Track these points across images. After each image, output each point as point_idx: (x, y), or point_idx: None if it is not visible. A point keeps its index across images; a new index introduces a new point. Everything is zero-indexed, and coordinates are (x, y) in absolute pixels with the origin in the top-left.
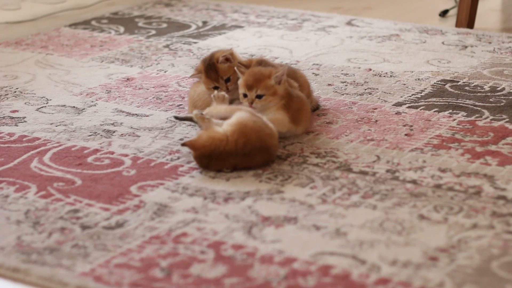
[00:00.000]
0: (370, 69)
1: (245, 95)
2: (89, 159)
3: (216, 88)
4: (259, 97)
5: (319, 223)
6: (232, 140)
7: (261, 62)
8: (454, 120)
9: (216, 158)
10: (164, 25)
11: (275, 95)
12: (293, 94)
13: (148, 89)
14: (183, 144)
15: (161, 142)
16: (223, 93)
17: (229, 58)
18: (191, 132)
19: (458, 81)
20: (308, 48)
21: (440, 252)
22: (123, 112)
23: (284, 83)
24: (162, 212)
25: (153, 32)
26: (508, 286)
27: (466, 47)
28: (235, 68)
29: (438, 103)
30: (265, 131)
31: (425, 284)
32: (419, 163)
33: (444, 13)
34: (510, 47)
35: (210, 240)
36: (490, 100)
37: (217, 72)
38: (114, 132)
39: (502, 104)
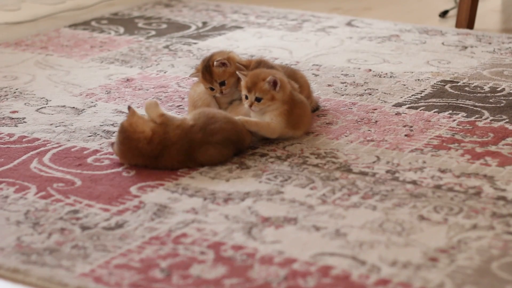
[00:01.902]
0: (370, 70)
1: (246, 97)
2: (89, 160)
3: (212, 89)
4: (258, 100)
5: (319, 224)
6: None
7: (260, 63)
8: (454, 120)
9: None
10: (164, 25)
11: (273, 100)
12: (296, 100)
13: (148, 90)
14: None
15: None
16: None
17: (225, 63)
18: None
19: (458, 82)
20: (308, 49)
21: (440, 253)
22: (123, 112)
23: (285, 88)
24: (162, 213)
25: (153, 32)
26: (508, 287)
27: (466, 47)
28: (237, 72)
29: (438, 103)
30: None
31: (425, 285)
32: (419, 163)
33: (444, 14)
34: (510, 47)
35: (210, 241)
36: (490, 100)
37: (211, 75)
38: (114, 132)
39: (502, 104)
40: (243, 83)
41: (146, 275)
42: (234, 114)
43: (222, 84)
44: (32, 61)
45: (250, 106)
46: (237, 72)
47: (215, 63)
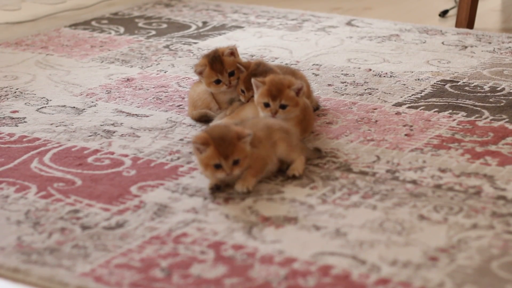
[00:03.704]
0: (370, 69)
1: (266, 105)
2: (89, 160)
3: (217, 82)
4: (283, 107)
5: (319, 223)
6: None
7: (260, 64)
8: (454, 120)
9: None
10: (164, 25)
11: (296, 106)
12: (305, 105)
13: (148, 90)
14: None
15: (161, 142)
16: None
17: (234, 52)
18: (191, 133)
19: (458, 81)
20: (308, 49)
21: (440, 252)
22: (123, 112)
23: (303, 95)
24: (162, 213)
25: (153, 32)
26: (508, 286)
27: (466, 47)
28: (252, 80)
29: (438, 103)
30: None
31: (425, 284)
32: (419, 163)
33: (444, 13)
34: (510, 47)
35: (210, 240)
36: (490, 100)
37: (222, 64)
38: (114, 132)
39: (502, 104)
40: (262, 91)
41: (146, 275)
42: (235, 116)
43: (231, 74)
44: (33, 60)
45: (275, 114)
46: (252, 80)
47: (226, 51)
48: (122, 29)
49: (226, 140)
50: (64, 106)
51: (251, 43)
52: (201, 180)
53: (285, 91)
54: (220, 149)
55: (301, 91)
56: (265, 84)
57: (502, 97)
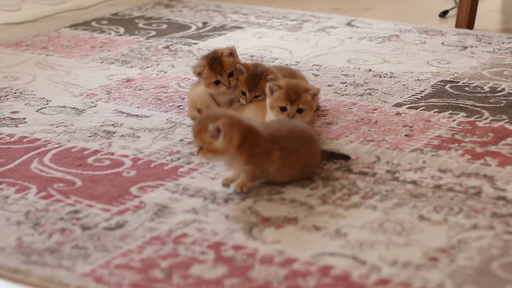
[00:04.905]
0: (370, 70)
1: (283, 109)
2: (89, 160)
3: (217, 83)
4: (300, 111)
5: (319, 224)
6: None
7: (258, 65)
8: (454, 120)
9: None
10: (164, 26)
11: (311, 110)
12: None
13: (148, 90)
14: None
15: (161, 143)
16: None
17: (233, 53)
18: (191, 133)
19: (458, 82)
20: (308, 49)
21: (440, 253)
22: (123, 113)
23: (316, 100)
24: (162, 213)
25: (153, 33)
26: (508, 287)
27: (466, 47)
28: (269, 84)
29: (438, 103)
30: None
31: (425, 285)
32: (419, 163)
33: (444, 14)
34: (510, 47)
35: (210, 241)
36: (490, 100)
37: (221, 64)
38: (114, 133)
39: (502, 104)
40: (279, 95)
41: (146, 275)
42: None
43: (230, 75)
44: (33, 61)
45: (292, 118)
46: (268, 84)
47: (225, 52)
48: (122, 30)
49: (196, 124)
50: (64, 106)
51: (251, 43)
52: (201, 181)
53: (303, 95)
54: (193, 129)
55: (317, 95)
56: (281, 88)
57: (502, 98)
